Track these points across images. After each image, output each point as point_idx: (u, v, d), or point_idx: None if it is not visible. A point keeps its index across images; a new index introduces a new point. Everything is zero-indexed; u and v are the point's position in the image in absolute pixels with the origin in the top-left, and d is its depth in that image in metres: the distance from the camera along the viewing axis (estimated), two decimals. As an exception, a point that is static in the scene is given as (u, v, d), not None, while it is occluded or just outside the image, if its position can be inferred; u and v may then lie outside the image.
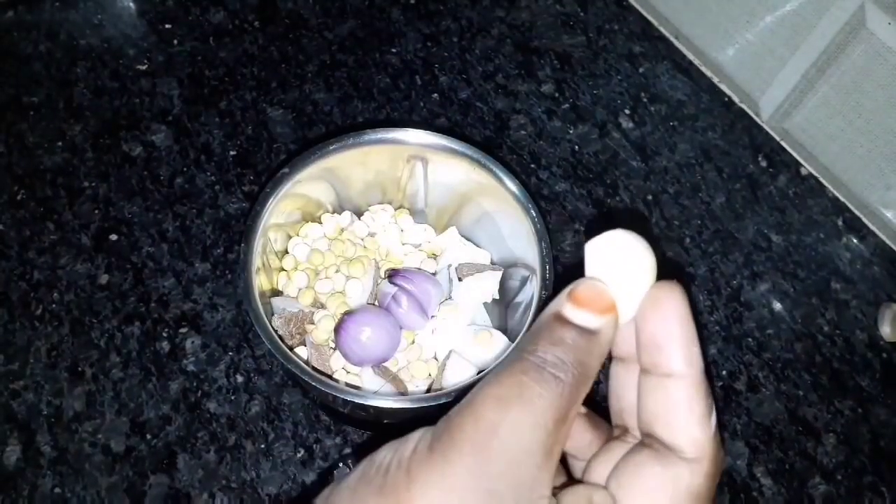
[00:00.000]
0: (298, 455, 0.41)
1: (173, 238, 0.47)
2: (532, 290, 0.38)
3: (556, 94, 0.55)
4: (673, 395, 0.22)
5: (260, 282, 0.37)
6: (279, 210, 0.39)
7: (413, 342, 0.39)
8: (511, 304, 0.42)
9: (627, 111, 0.55)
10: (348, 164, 0.41)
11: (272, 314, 0.38)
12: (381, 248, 0.43)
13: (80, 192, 0.48)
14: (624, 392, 0.25)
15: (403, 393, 0.38)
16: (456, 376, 0.37)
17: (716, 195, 0.52)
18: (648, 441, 0.23)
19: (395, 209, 0.45)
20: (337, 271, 0.40)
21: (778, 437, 0.44)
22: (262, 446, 0.41)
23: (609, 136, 0.54)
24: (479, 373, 0.37)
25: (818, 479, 0.43)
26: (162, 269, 0.46)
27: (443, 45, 0.57)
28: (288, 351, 0.35)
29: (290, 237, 0.42)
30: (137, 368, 0.43)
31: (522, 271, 0.40)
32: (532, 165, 0.52)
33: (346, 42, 0.56)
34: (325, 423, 0.42)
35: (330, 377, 0.37)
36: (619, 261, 0.23)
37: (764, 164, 0.54)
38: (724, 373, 0.46)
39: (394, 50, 0.56)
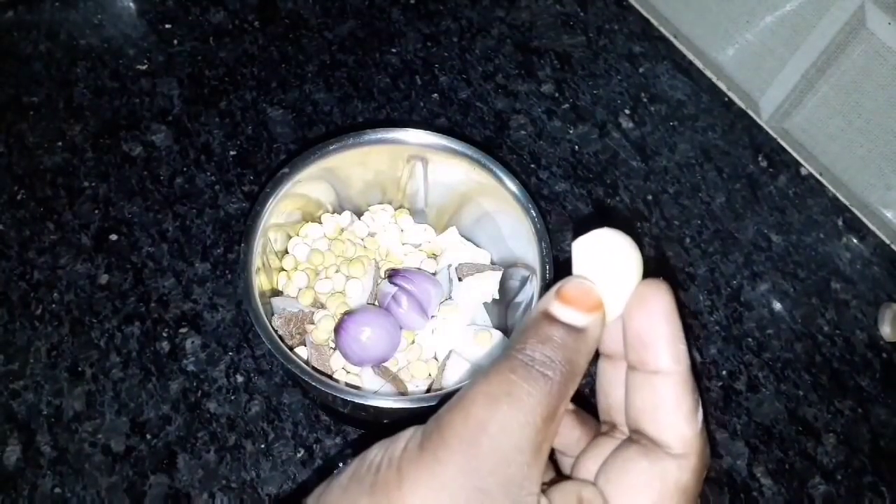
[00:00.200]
0: (298, 455, 0.41)
1: (173, 238, 0.47)
2: (532, 290, 0.38)
3: (556, 94, 0.55)
4: (660, 391, 0.23)
5: (260, 282, 0.37)
6: (279, 210, 0.39)
7: (413, 342, 0.39)
8: (511, 304, 0.42)
9: (627, 111, 0.55)
10: (348, 164, 0.41)
11: (272, 314, 0.38)
12: (381, 248, 0.43)
13: (80, 192, 0.48)
14: (611, 389, 0.26)
15: (403, 393, 0.38)
16: (456, 376, 0.37)
17: (716, 195, 0.52)
18: (636, 437, 0.24)
19: (395, 209, 0.45)
20: (337, 271, 0.40)
21: (778, 437, 0.44)
22: (262, 446, 0.41)
23: (609, 136, 0.54)
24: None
25: (818, 479, 0.43)
26: (162, 269, 0.46)
27: (443, 45, 0.57)
28: (288, 351, 0.35)
29: (290, 237, 0.42)
30: (137, 368, 0.43)
31: (522, 271, 0.40)
32: (532, 165, 0.52)
33: (346, 42, 0.56)
34: (325, 423, 0.42)
35: (330, 377, 0.37)
36: (606, 259, 0.23)
37: (764, 164, 0.54)
38: (724, 373, 0.46)
39: (394, 50, 0.56)
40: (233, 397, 0.42)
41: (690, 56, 0.58)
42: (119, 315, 0.44)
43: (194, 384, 0.42)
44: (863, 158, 0.50)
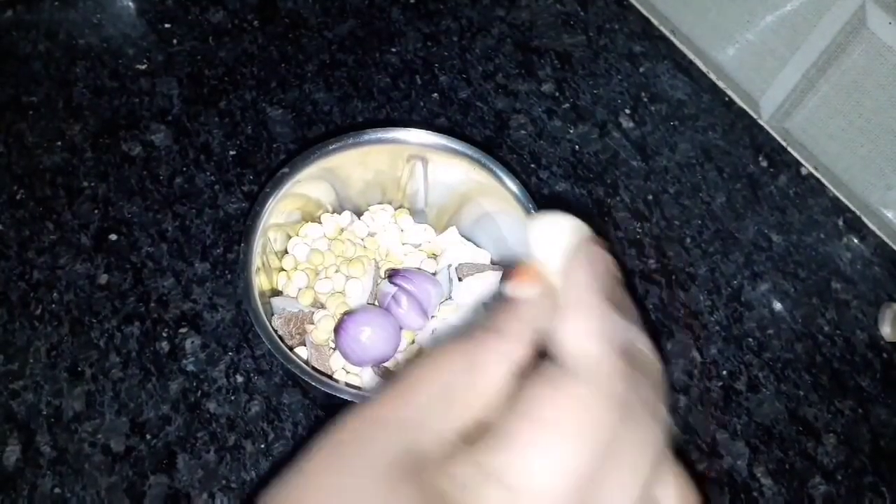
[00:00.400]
0: (298, 455, 0.41)
1: (173, 238, 0.47)
2: (532, 291, 0.38)
3: (557, 94, 0.55)
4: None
5: (260, 282, 0.37)
6: (279, 210, 0.39)
7: (413, 342, 0.39)
8: (511, 304, 0.41)
9: (628, 111, 0.55)
10: (348, 163, 0.41)
11: (272, 314, 0.38)
12: (381, 248, 0.43)
13: (80, 191, 0.48)
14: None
15: (403, 393, 0.37)
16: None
17: (716, 195, 0.52)
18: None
19: (395, 209, 0.45)
20: (337, 271, 0.40)
21: (778, 437, 0.44)
22: (262, 446, 0.41)
23: (609, 136, 0.54)
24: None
25: (818, 479, 0.43)
26: (161, 269, 0.46)
27: (443, 45, 0.57)
28: (288, 351, 0.35)
29: (289, 237, 0.42)
30: (137, 368, 0.43)
31: (522, 271, 0.40)
32: (532, 165, 0.52)
33: (345, 42, 0.56)
34: (325, 423, 0.42)
35: (330, 377, 0.37)
36: (554, 241, 0.25)
37: (764, 163, 0.54)
38: (724, 373, 0.46)
39: (394, 50, 0.56)
40: (233, 397, 0.42)
41: (691, 55, 0.58)
42: (119, 315, 0.44)
43: (194, 384, 0.42)
44: (863, 158, 0.50)
